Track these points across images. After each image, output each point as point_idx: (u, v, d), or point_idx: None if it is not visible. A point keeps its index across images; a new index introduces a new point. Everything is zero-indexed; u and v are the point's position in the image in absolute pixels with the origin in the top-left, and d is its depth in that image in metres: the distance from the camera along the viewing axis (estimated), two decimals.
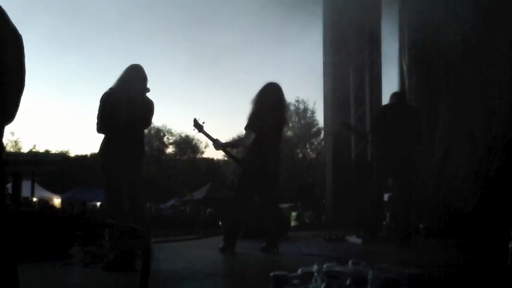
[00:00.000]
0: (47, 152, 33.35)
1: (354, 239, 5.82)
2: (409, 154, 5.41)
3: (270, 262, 4.35)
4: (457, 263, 3.75)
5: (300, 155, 34.78)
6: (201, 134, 4.92)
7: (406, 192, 5.44)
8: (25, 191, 15.67)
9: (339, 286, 2.12)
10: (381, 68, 9.07)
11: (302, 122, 34.49)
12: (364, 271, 2.20)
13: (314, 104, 33.52)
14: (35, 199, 15.71)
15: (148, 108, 4.52)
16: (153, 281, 2.31)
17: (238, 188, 4.88)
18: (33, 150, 35.14)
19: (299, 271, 2.34)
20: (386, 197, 6.92)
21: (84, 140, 64.71)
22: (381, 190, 5.84)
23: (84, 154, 40.39)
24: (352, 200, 8.12)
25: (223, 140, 5.05)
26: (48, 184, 24.73)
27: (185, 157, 42.20)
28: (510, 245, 3.05)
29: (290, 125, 31.98)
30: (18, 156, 18.60)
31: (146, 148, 4.70)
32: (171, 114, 61.15)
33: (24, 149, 34.66)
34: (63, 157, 28.10)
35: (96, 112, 4.38)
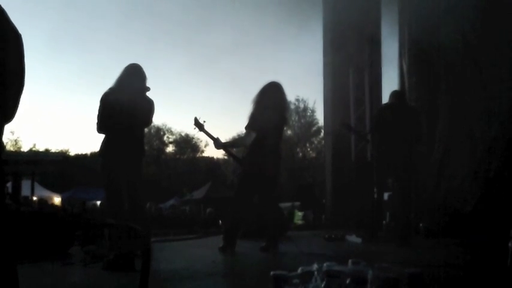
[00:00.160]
0: (46, 151, 33.38)
1: (353, 239, 5.82)
2: (408, 154, 5.41)
3: (269, 261, 4.36)
4: (457, 263, 3.76)
5: (300, 154, 34.78)
6: (201, 133, 4.93)
7: (406, 192, 5.44)
8: (25, 190, 15.67)
9: (338, 285, 2.12)
10: (380, 68, 9.07)
11: (302, 121, 34.48)
12: (364, 270, 2.20)
13: (314, 103, 33.54)
14: (34, 198, 15.71)
15: (148, 107, 4.52)
16: (153, 280, 2.31)
17: (238, 188, 4.88)
18: (33, 149, 35.13)
19: (299, 270, 2.34)
20: (386, 196, 6.93)
21: (84, 139, 64.81)
22: (380, 190, 5.84)
23: (84, 153, 40.45)
24: (352, 199, 8.12)
25: (223, 139, 5.06)
26: (48, 183, 24.72)
27: (185, 156, 42.21)
28: (510, 245, 3.05)
29: (290, 123, 31.97)
30: (18, 155, 18.64)
31: (146, 147, 4.70)
32: (171, 113, 61.20)
33: (24, 148, 34.67)
34: (63, 156, 28.12)
35: (96, 112, 4.38)
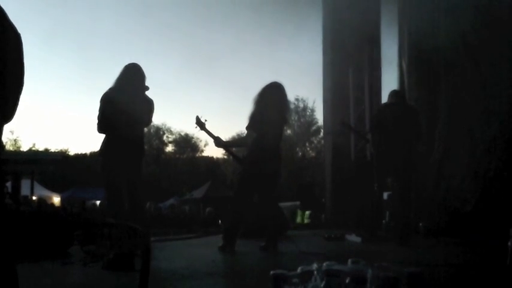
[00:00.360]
0: (46, 150, 33.36)
1: (353, 238, 5.82)
2: (408, 153, 5.42)
3: (269, 261, 4.36)
4: (457, 262, 3.76)
5: (300, 153, 34.77)
6: (201, 132, 4.93)
7: (406, 191, 5.45)
8: (24, 190, 15.67)
9: (338, 285, 2.12)
10: (380, 68, 9.06)
11: (302, 120, 34.48)
12: (363, 270, 2.20)
13: (314, 103, 33.53)
14: (34, 198, 15.70)
15: (148, 107, 4.53)
16: (153, 280, 2.31)
17: (238, 187, 4.89)
18: (33, 149, 35.11)
19: (299, 270, 2.34)
20: (386, 195, 6.93)
21: (83, 138, 64.80)
22: (380, 189, 5.85)
23: (83, 153, 40.43)
24: (352, 199, 8.12)
25: (223, 139, 5.06)
26: (48, 183, 24.72)
27: (184, 156, 42.20)
28: (509, 244, 3.06)
29: (290, 124, 31.95)
30: (17, 155, 18.63)
31: (146, 147, 4.71)
32: (171, 113, 61.20)
33: (24, 148, 34.65)
34: (62, 156, 28.10)
35: (97, 112, 4.38)
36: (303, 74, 42.63)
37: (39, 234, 4.33)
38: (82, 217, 7.80)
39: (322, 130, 23.35)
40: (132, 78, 4.42)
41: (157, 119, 38.43)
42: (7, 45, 1.76)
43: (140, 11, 51.10)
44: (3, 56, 1.74)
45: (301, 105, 34.06)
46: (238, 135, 27.35)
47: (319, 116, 33.28)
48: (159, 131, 41.31)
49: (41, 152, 28.67)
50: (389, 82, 9.32)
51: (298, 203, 13.39)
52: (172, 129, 42.23)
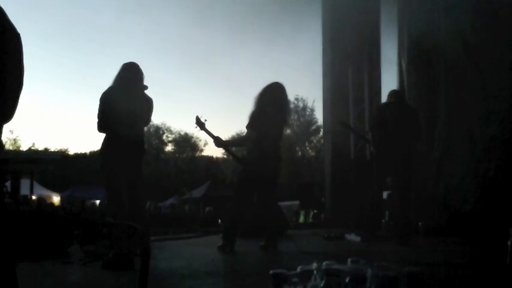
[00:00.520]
0: (46, 150, 33.31)
1: (353, 237, 5.82)
2: (408, 153, 5.42)
3: (269, 260, 4.36)
4: (456, 262, 3.76)
5: (299, 153, 34.76)
6: (202, 131, 4.92)
7: (405, 191, 5.45)
8: (24, 189, 15.68)
9: (338, 284, 2.12)
10: (380, 67, 9.07)
11: (301, 120, 34.47)
12: (363, 269, 2.20)
13: (313, 102, 33.51)
14: (34, 197, 15.71)
15: (148, 105, 4.53)
16: (153, 279, 2.31)
17: (238, 187, 4.88)
18: (32, 148, 35.09)
19: (298, 269, 2.34)
20: (385, 195, 6.93)
21: (83, 138, 64.79)
22: (379, 189, 5.85)
23: (83, 152, 40.40)
24: (352, 198, 8.13)
25: (223, 138, 5.05)
26: (47, 182, 24.73)
27: (184, 155, 42.20)
28: (509, 243, 3.06)
29: (290, 123, 31.91)
30: (17, 154, 18.62)
31: (145, 146, 4.70)
32: (170, 113, 61.20)
33: (24, 147, 34.61)
34: (62, 155, 28.10)
35: (96, 111, 4.38)
36: (303, 73, 42.70)
37: (38, 234, 4.33)
38: (82, 217, 7.81)
39: (321, 130, 23.35)
40: (130, 77, 4.42)
41: (157, 119, 38.46)
42: (7, 45, 1.76)
43: (140, 10, 51.11)
44: (3, 55, 1.74)
45: (300, 104, 34.05)
46: (238, 134, 27.36)
47: (319, 116, 33.31)
48: (158, 131, 41.30)
49: (41, 151, 28.63)
50: (389, 82, 9.34)
51: (297, 202, 13.40)
52: (172, 129, 42.29)
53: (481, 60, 6.13)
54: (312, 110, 34.17)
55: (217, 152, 44.14)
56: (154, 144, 40.20)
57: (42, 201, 12.41)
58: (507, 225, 3.19)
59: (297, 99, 33.44)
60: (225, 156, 34.45)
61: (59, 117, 57.35)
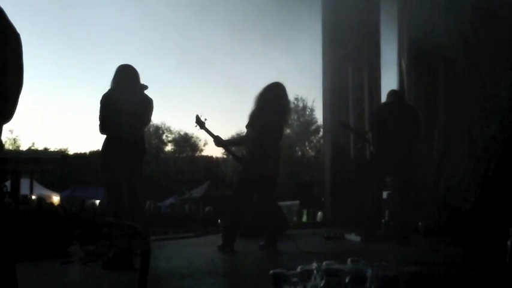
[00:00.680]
0: (45, 150, 33.28)
1: (353, 237, 5.82)
2: (408, 153, 5.42)
3: (269, 260, 4.36)
4: (456, 261, 3.77)
5: (299, 152, 34.77)
6: (202, 131, 4.93)
7: (405, 190, 5.45)
8: (24, 189, 15.66)
9: (338, 284, 2.12)
10: (379, 67, 9.06)
11: (301, 119, 34.48)
12: (363, 269, 2.20)
13: (313, 102, 33.54)
14: (33, 197, 15.70)
15: (148, 106, 4.53)
16: (152, 279, 2.31)
17: (238, 186, 4.88)
18: (32, 148, 35.09)
19: (298, 269, 2.34)
20: (385, 194, 6.93)
21: (83, 138, 64.76)
22: (379, 188, 5.85)
23: (83, 152, 40.40)
24: (351, 198, 8.12)
25: (223, 138, 5.05)
26: (47, 182, 24.71)
27: (184, 155, 42.20)
28: (509, 243, 3.06)
29: (290, 123, 31.90)
30: (17, 154, 18.61)
31: (146, 146, 4.71)
32: (170, 112, 61.19)
33: (23, 147, 34.63)
34: (62, 155, 28.06)
35: (98, 113, 4.39)
36: (303, 73, 42.66)
37: (38, 234, 4.33)
38: (81, 216, 7.80)
39: (321, 129, 23.36)
40: (128, 78, 4.44)
41: (156, 118, 38.47)
42: (6, 45, 1.76)
43: (140, 9, 51.12)
44: (3, 55, 1.74)
45: (300, 104, 34.09)
46: (238, 134, 27.35)
47: (319, 116, 33.32)
48: (158, 130, 41.30)
49: (41, 151, 28.58)
50: (389, 82, 9.33)
51: (297, 202, 13.39)
52: (171, 129, 42.30)
53: (481, 60, 6.13)
54: (312, 110, 34.24)
55: (217, 152, 44.16)
56: (154, 144, 40.19)
57: (42, 201, 12.41)
58: (507, 225, 3.18)
59: (296, 99, 33.49)
60: (225, 156, 34.49)
61: (58, 117, 57.35)
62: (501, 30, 5.77)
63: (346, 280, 2.12)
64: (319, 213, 11.12)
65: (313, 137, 34.80)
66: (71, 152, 40.37)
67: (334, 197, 8.88)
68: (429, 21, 6.80)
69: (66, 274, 3.67)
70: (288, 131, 31.59)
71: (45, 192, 21.02)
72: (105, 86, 4.49)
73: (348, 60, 8.90)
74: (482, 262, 3.76)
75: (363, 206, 6.41)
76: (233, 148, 5.54)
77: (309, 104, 34.15)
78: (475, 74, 6.19)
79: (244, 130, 5.04)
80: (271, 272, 2.30)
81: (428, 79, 7.20)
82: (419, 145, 5.92)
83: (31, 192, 16.02)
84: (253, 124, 4.78)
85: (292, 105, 6.14)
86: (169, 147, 43.08)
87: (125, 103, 4.22)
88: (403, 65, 7.94)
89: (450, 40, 6.53)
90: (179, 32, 52.43)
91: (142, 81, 4.57)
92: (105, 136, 4.41)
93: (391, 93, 5.88)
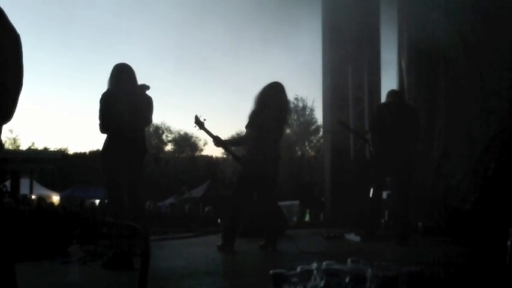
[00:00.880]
0: (45, 149, 33.29)
1: (352, 237, 5.82)
2: (407, 152, 5.42)
3: (269, 260, 4.36)
4: (456, 261, 3.76)
5: (299, 152, 34.76)
6: (201, 131, 4.92)
7: (405, 190, 5.45)
8: (24, 189, 15.69)
9: (338, 284, 2.12)
10: (379, 67, 9.07)
11: (301, 119, 34.47)
12: (363, 269, 2.20)
13: (313, 102, 33.53)
14: (33, 196, 15.71)
15: (148, 104, 4.53)
16: (152, 279, 2.31)
17: (237, 186, 4.88)
18: (32, 147, 35.09)
19: (298, 269, 2.34)
20: (385, 194, 6.93)
21: (82, 137, 64.79)
22: (379, 188, 5.84)
23: (82, 152, 40.40)
24: (351, 198, 8.12)
25: (222, 138, 5.05)
26: (47, 182, 24.71)
27: (184, 155, 42.20)
28: (509, 243, 3.06)
29: (290, 123, 31.84)
30: (17, 154, 18.63)
31: (147, 146, 4.71)
32: (170, 112, 61.19)
33: (23, 147, 34.63)
34: (61, 155, 28.08)
35: (98, 113, 4.39)
36: (303, 73, 42.70)
37: (38, 233, 4.33)
38: (81, 216, 7.80)
39: (321, 129, 23.35)
40: (126, 77, 4.43)
41: (156, 118, 38.12)
42: (6, 45, 1.76)
43: (140, 9, 51.09)
44: (3, 56, 1.74)
45: (300, 104, 34.07)
46: (237, 134, 27.35)
47: (319, 115, 33.32)
48: (158, 130, 41.30)
49: (40, 151, 28.59)
50: (389, 81, 9.33)
51: (297, 202, 13.42)
52: (171, 128, 42.31)
53: (481, 60, 6.13)
54: (312, 110, 34.21)
55: (217, 152, 44.13)
56: (154, 144, 40.19)
57: (42, 201, 12.40)
58: (507, 225, 3.19)
59: (296, 99, 33.47)
60: (224, 156, 34.46)
61: (58, 116, 57.35)
62: (501, 30, 5.77)
63: (346, 280, 2.12)
64: (322, 214, 11.14)
65: (313, 137, 34.79)
66: (70, 151, 40.44)
67: (334, 197, 8.87)
68: (429, 22, 6.80)
69: (66, 274, 3.67)
70: (288, 131, 31.64)
71: (45, 192, 21.02)
72: (105, 85, 4.49)
73: (347, 60, 8.90)
74: (482, 262, 3.75)
75: (363, 206, 6.42)
76: (233, 148, 5.53)
77: (309, 104, 34.16)
78: (475, 74, 6.19)
79: (244, 130, 5.04)
80: (271, 272, 2.30)
81: (428, 79, 7.20)
82: (419, 145, 5.92)
83: (31, 192, 16.05)
84: (253, 124, 4.78)
85: (292, 105, 6.12)
86: (169, 147, 43.15)
87: (124, 102, 4.22)
88: (403, 65, 7.93)
89: (450, 40, 6.52)
90: (179, 31, 52.45)
91: (143, 81, 4.57)
92: (105, 136, 4.41)
93: (391, 93, 5.88)
